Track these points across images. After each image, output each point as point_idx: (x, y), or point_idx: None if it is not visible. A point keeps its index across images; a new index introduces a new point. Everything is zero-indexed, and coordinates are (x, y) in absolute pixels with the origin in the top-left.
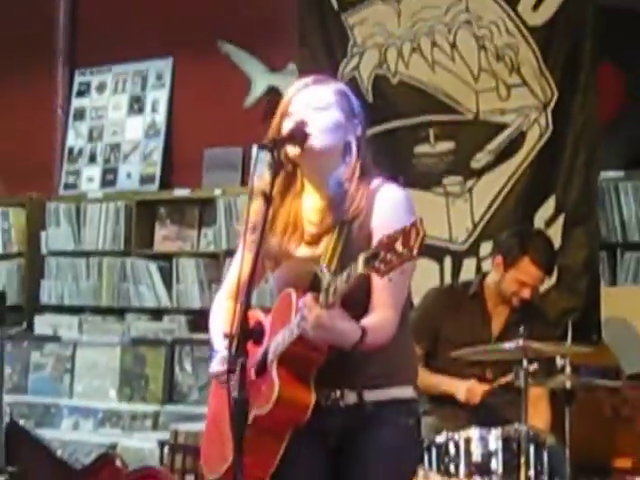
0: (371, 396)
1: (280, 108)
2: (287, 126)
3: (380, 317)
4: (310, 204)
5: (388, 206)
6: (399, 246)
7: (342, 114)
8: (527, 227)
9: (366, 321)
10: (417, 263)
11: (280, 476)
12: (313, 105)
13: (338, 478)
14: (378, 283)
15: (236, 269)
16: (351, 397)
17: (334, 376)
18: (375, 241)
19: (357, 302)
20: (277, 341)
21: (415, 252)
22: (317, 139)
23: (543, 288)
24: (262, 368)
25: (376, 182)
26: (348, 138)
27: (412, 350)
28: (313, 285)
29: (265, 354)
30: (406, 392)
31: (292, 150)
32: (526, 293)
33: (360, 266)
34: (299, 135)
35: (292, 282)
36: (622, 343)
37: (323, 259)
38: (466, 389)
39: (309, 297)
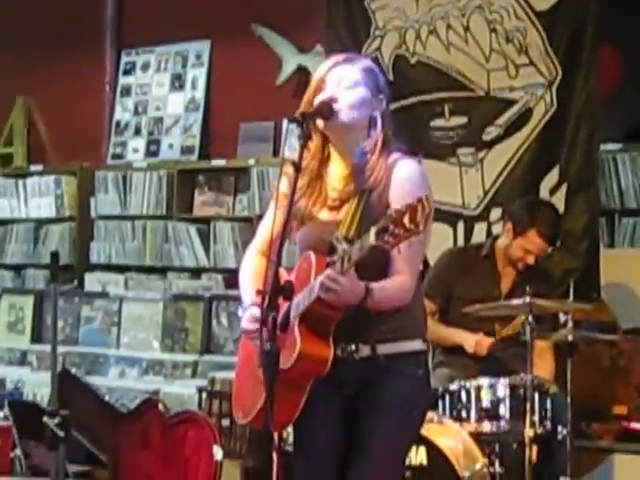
0: (383, 349)
1: (314, 84)
2: (319, 101)
3: (394, 282)
4: (335, 171)
5: (404, 179)
6: (406, 221)
7: (368, 91)
8: (537, 199)
9: (377, 284)
10: (433, 227)
11: (302, 421)
12: (342, 84)
13: (354, 422)
14: (394, 252)
15: (265, 228)
16: (365, 350)
17: (350, 331)
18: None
19: (371, 266)
20: (298, 300)
21: (421, 227)
22: (344, 113)
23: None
24: (285, 325)
25: (395, 156)
26: (374, 113)
27: (422, 306)
28: (331, 248)
29: (287, 312)
30: (415, 345)
31: (319, 123)
32: (530, 260)
33: (371, 238)
34: (326, 110)
35: (313, 244)
36: (619, 301)
37: (342, 224)
38: (475, 341)
39: (331, 270)
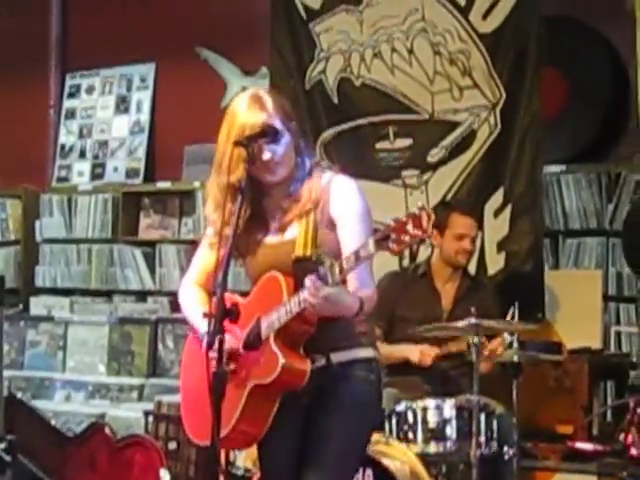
0: (337, 357)
1: (238, 126)
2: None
3: (370, 292)
4: (269, 202)
5: (344, 192)
6: (410, 227)
7: (284, 128)
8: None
9: (364, 293)
10: None
11: (266, 434)
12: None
13: (308, 428)
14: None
15: (201, 258)
16: (321, 360)
17: (306, 344)
18: (340, 224)
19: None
20: (272, 318)
21: (430, 232)
22: (280, 168)
23: (493, 271)
24: (253, 343)
25: (328, 175)
26: (296, 141)
27: (369, 317)
28: (294, 266)
29: (254, 331)
30: (367, 352)
31: (266, 155)
32: (466, 244)
33: (371, 247)
34: (271, 132)
35: (269, 267)
36: (564, 321)
37: (298, 244)
38: (419, 351)
39: (314, 278)
